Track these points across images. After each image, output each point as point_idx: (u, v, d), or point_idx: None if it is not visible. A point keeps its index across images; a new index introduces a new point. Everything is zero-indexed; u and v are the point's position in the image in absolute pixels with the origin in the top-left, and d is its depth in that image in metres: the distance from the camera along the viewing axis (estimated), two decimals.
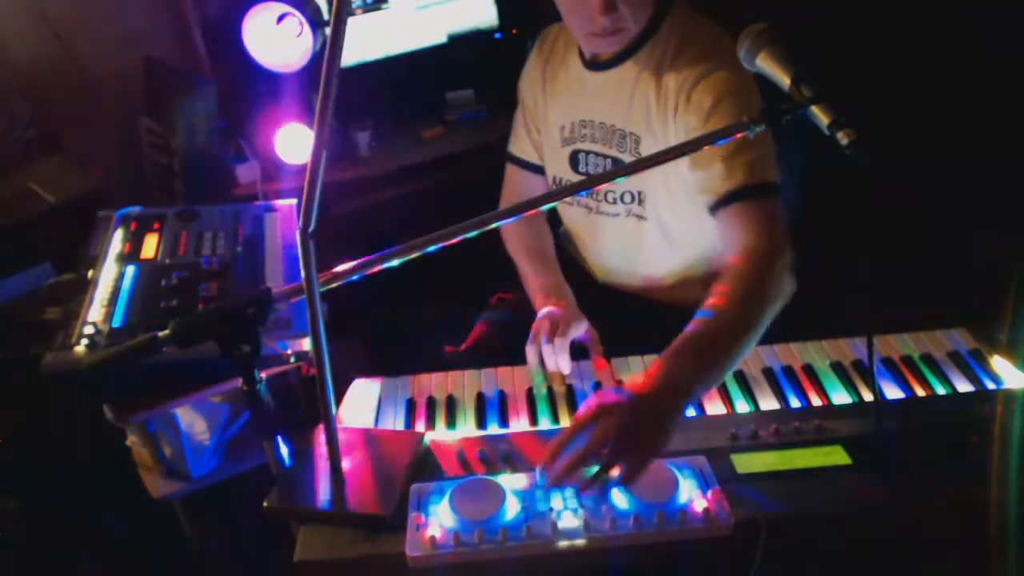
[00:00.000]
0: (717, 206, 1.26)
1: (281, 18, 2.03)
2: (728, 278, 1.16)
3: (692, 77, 1.27)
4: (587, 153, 1.46)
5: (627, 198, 1.43)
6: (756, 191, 1.23)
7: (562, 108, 1.50)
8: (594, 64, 1.42)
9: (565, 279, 1.49)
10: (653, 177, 1.37)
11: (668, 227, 1.43)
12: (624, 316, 1.54)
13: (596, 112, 1.44)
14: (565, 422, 1.18)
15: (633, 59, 1.36)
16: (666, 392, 1.01)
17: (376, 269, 0.95)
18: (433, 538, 0.89)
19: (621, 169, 1.06)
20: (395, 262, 0.95)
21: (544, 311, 1.36)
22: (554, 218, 1.66)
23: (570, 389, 1.25)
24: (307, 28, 2.02)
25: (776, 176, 1.24)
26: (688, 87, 1.27)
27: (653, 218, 1.43)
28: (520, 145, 1.62)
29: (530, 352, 1.29)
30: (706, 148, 1.02)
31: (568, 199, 1.52)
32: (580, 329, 1.31)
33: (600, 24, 1.26)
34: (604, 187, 1.44)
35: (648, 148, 1.37)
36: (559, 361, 1.27)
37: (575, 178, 1.49)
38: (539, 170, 1.62)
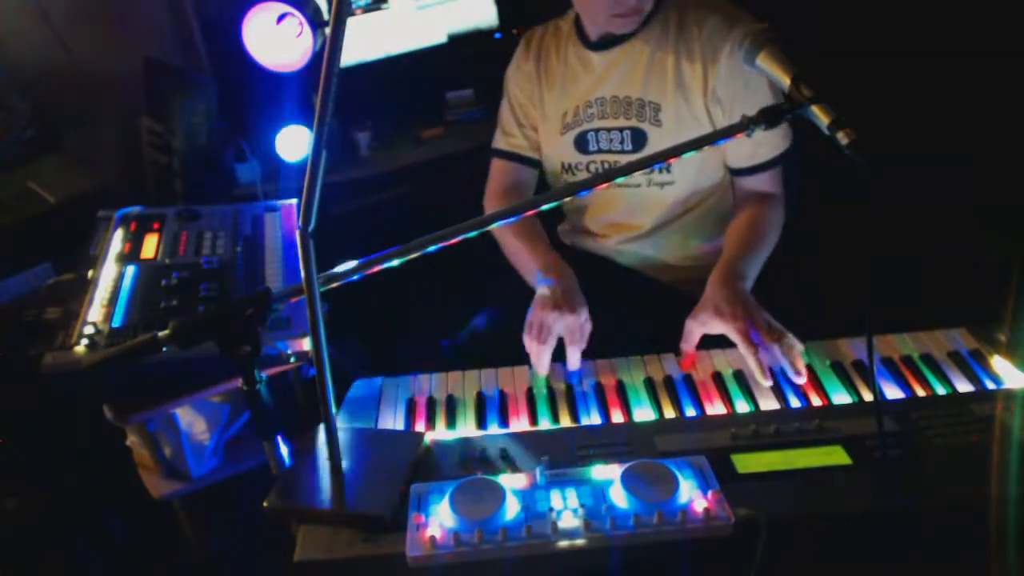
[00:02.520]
0: (752, 171, 1.47)
1: (281, 18, 2.03)
2: (754, 212, 1.46)
3: (723, 31, 1.38)
4: (596, 131, 1.51)
5: (647, 169, 1.46)
6: (783, 156, 1.46)
7: (563, 96, 1.54)
8: (601, 44, 1.48)
9: (575, 271, 1.50)
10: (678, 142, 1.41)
11: (694, 185, 1.50)
12: (631, 300, 1.55)
13: (605, 88, 1.49)
14: (565, 422, 1.18)
15: (642, 33, 1.44)
16: (742, 280, 1.33)
17: (376, 269, 0.95)
18: (433, 538, 0.89)
19: (649, 158, 1.07)
20: (395, 262, 0.95)
21: (544, 286, 1.34)
22: (551, 217, 1.66)
23: (570, 389, 1.25)
24: (307, 28, 2.02)
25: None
26: (721, 40, 1.38)
27: (681, 180, 1.49)
28: (510, 140, 1.63)
29: (528, 343, 1.28)
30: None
31: (584, 176, 1.53)
32: (580, 321, 1.30)
33: (629, 6, 1.36)
34: (623, 158, 1.49)
35: (667, 115, 1.45)
36: (570, 365, 1.26)
37: (583, 160, 1.51)
38: (531, 163, 1.64)
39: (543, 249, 1.49)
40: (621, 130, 1.48)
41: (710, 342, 1.29)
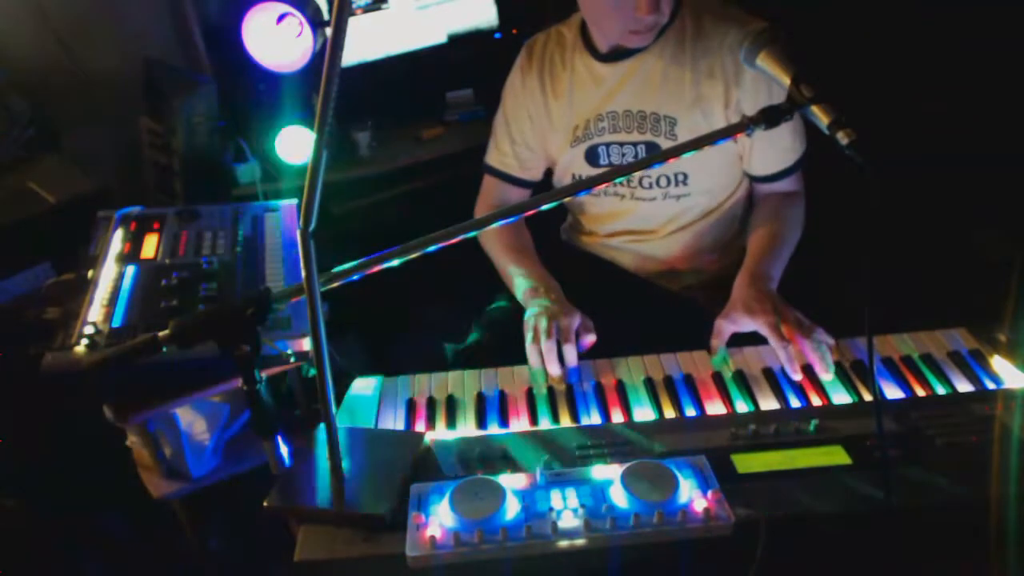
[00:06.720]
0: (778, 176, 1.47)
1: (281, 18, 2.03)
2: (777, 213, 1.47)
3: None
4: (607, 145, 1.49)
5: (663, 182, 1.47)
6: (805, 156, 1.47)
7: (572, 107, 1.51)
8: (612, 56, 1.45)
9: (575, 272, 1.50)
10: (698, 158, 1.40)
11: (711, 195, 1.50)
12: (631, 300, 1.55)
13: (617, 102, 1.46)
14: (565, 422, 1.18)
15: (656, 45, 1.41)
16: (769, 281, 1.35)
17: (376, 269, 0.95)
18: (433, 538, 0.89)
19: (648, 159, 1.07)
20: (395, 262, 0.95)
21: (536, 306, 1.35)
22: (554, 215, 1.66)
23: (570, 389, 1.25)
24: (307, 28, 2.02)
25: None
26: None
27: (698, 192, 1.48)
28: (501, 158, 1.62)
29: (531, 352, 1.29)
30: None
31: (595, 191, 1.53)
32: (576, 323, 1.30)
33: (645, 23, 1.32)
34: (638, 173, 1.47)
35: (684, 128, 1.42)
36: (568, 361, 1.27)
37: (594, 173, 1.51)
38: (520, 183, 1.63)
39: (532, 265, 1.49)
40: (635, 144, 1.46)
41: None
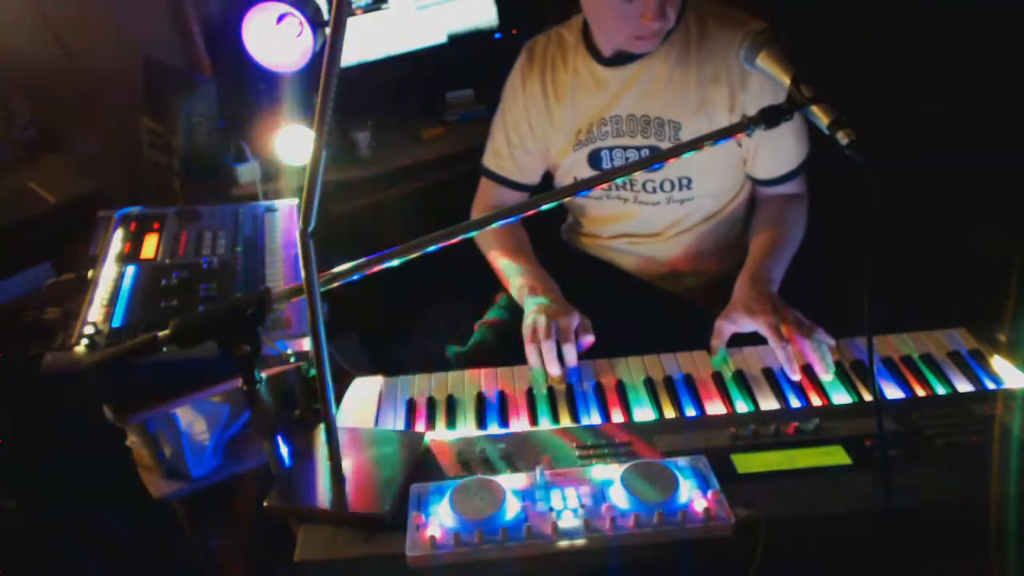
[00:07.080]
0: (783, 179, 1.47)
1: (281, 18, 2.03)
2: (779, 214, 1.47)
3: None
4: (610, 149, 1.48)
5: (667, 186, 1.47)
6: (808, 161, 1.47)
7: (575, 110, 1.51)
8: (616, 60, 1.44)
9: (575, 272, 1.50)
10: (702, 162, 1.39)
11: (715, 199, 1.50)
12: (630, 301, 1.55)
13: (621, 106, 1.46)
14: (565, 422, 1.18)
15: (661, 50, 1.40)
16: (770, 283, 1.35)
17: (376, 269, 0.95)
18: (433, 538, 0.89)
19: (648, 159, 1.07)
20: (395, 262, 0.95)
21: (534, 305, 1.35)
22: (554, 215, 1.66)
23: (570, 389, 1.25)
24: (307, 28, 2.02)
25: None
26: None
27: (702, 196, 1.48)
28: (498, 161, 1.62)
29: (531, 352, 1.29)
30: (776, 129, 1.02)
31: (597, 194, 1.52)
32: (575, 323, 1.30)
33: (652, 29, 1.31)
34: (641, 177, 1.46)
35: (688, 133, 1.42)
36: (568, 361, 1.26)
37: None
38: (516, 186, 1.63)
39: (530, 264, 1.49)
40: (638, 148, 1.46)
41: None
